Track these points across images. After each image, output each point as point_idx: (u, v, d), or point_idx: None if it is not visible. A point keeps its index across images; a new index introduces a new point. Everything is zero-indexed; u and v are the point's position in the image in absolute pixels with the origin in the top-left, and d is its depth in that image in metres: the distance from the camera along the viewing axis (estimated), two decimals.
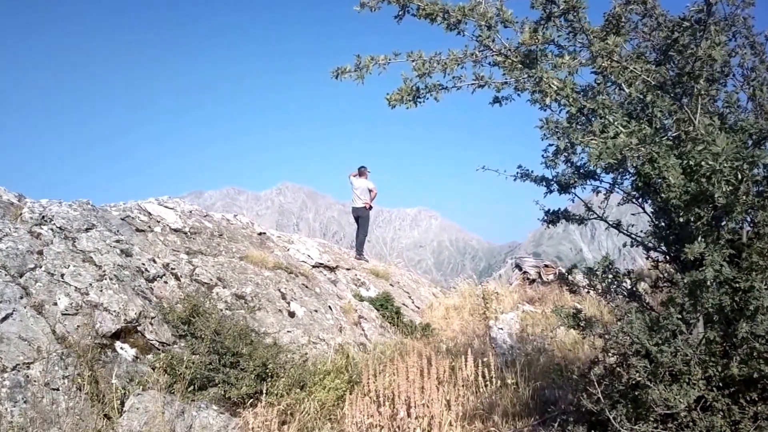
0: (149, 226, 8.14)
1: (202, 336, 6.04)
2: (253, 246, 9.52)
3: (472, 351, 8.89)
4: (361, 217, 14.04)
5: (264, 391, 5.75)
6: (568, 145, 3.69)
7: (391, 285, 12.74)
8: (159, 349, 6.08)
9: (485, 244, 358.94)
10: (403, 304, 11.66)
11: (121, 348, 5.78)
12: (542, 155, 4.43)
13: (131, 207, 8.38)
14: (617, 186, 4.83)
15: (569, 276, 5.34)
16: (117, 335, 5.82)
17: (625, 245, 5.42)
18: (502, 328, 10.46)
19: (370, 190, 13.89)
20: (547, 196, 5.34)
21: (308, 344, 7.59)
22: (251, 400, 5.66)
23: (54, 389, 4.93)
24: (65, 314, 5.58)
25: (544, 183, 5.59)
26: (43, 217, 6.78)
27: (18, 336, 5.05)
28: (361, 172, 14.04)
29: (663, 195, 3.68)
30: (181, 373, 5.64)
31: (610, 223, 5.02)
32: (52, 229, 6.63)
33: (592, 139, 3.56)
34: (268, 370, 5.85)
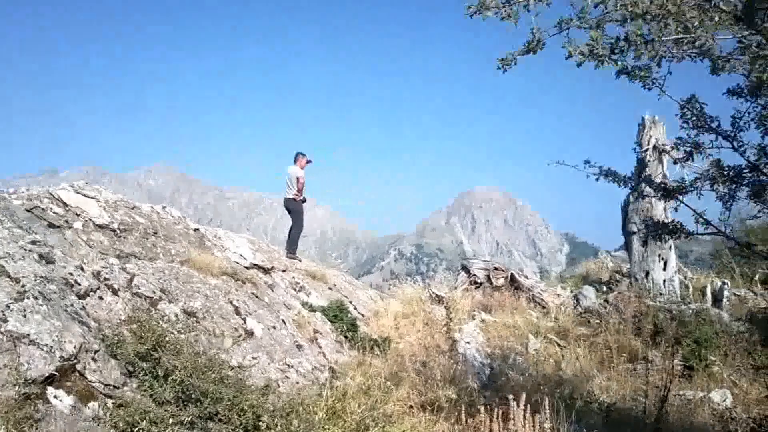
0: (66, 221, 6.31)
1: (167, 376, 4.48)
2: (192, 246, 7.84)
3: (449, 373, 7.83)
4: (291, 210, 12.43)
5: None
6: None
7: (329, 289, 11.39)
8: (105, 394, 4.44)
9: (369, 235, 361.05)
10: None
11: (55, 397, 4.11)
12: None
13: (39, 195, 6.49)
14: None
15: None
16: (49, 379, 4.15)
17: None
18: (469, 342, 9.44)
19: (297, 179, 12.24)
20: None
21: (278, 374, 6.15)
22: None
23: None
24: None
25: (631, 186, 4.58)
26: None
27: None
28: (296, 158, 12.38)
29: None
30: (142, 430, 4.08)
31: (740, 241, 4.06)
32: None
33: None
34: (261, 422, 4.38)
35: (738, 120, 3.80)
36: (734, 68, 3.41)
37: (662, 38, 2.67)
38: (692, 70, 4.26)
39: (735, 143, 3.81)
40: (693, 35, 2.68)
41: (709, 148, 3.87)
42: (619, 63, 2.87)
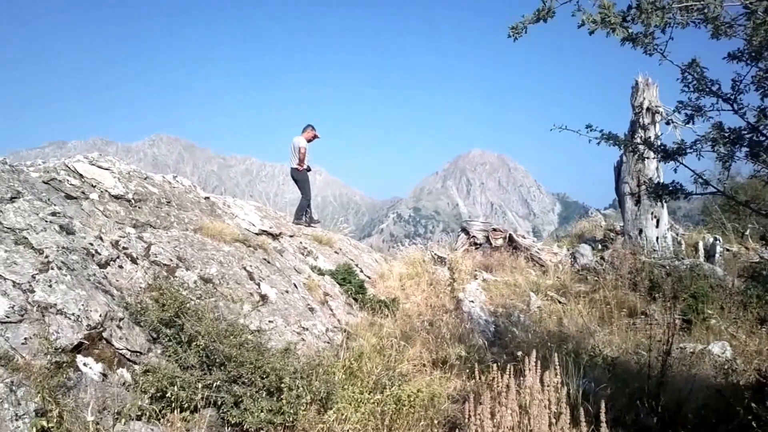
0: (83, 192, 6.44)
1: (191, 341, 4.67)
2: (204, 214, 7.98)
3: (456, 331, 8.05)
4: (297, 180, 12.70)
5: (279, 410, 4.50)
6: None
7: (336, 253, 11.57)
8: (131, 361, 4.64)
9: (368, 200, 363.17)
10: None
11: (85, 364, 4.29)
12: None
13: (56, 167, 6.62)
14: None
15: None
16: (77, 347, 4.33)
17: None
18: (473, 302, 9.65)
19: (299, 149, 12.48)
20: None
21: (294, 336, 6.35)
22: (268, 426, 4.40)
23: None
24: (6, 322, 4.02)
25: (631, 149, 4.71)
26: None
27: None
28: (304, 129, 12.66)
29: None
30: (172, 396, 4.28)
31: (738, 199, 4.20)
32: None
33: None
34: (283, 384, 4.57)
35: (738, 83, 3.89)
36: (735, 33, 3.52)
37: (673, 5, 2.78)
38: (690, 36, 4.37)
39: (735, 106, 3.91)
40: (703, 2, 2.79)
41: (709, 110, 3.98)
42: (629, 30, 2.98)
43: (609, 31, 2.82)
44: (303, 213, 12.52)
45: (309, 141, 12.63)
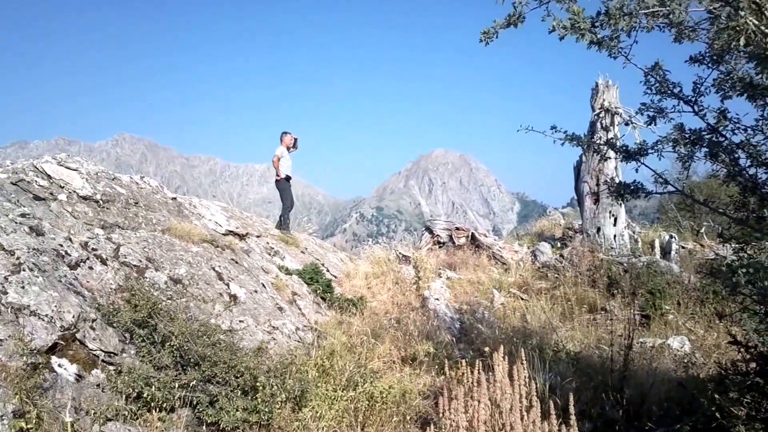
0: (51, 193, 6.38)
1: (164, 342, 4.69)
2: (171, 215, 7.95)
3: (424, 329, 8.18)
4: (278, 190, 12.62)
5: (254, 409, 4.56)
6: None
7: (302, 252, 11.63)
8: (106, 362, 4.64)
9: (331, 199, 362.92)
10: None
11: (60, 365, 4.29)
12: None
13: (24, 168, 6.53)
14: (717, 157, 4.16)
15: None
16: (52, 349, 4.32)
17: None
18: (438, 299, 9.79)
19: (272, 159, 12.45)
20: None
21: (265, 336, 6.40)
22: (244, 425, 4.46)
23: None
24: None
25: (593, 149, 4.89)
26: None
27: None
28: (281, 138, 12.56)
29: None
30: (148, 396, 4.30)
31: (697, 199, 4.39)
32: None
33: None
34: (258, 383, 4.63)
35: (699, 86, 4.07)
36: (698, 37, 3.70)
37: (640, 11, 2.94)
38: (653, 39, 4.55)
39: (696, 107, 4.09)
40: (668, 8, 2.95)
41: (671, 112, 4.16)
42: (597, 35, 3.13)
43: (578, 36, 2.97)
44: (281, 222, 12.51)
45: (291, 147, 12.54)
